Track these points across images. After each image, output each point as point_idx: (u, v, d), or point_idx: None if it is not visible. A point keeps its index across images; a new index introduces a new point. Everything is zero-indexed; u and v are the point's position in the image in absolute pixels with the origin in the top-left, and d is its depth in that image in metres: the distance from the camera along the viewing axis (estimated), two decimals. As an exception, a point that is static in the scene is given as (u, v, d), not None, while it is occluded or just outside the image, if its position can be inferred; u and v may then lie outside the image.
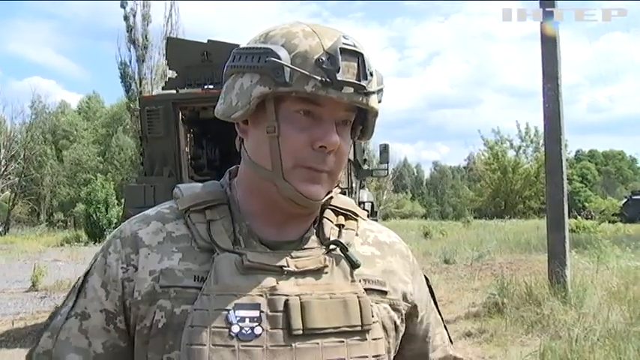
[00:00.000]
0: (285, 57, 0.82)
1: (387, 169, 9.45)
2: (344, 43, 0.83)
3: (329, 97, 0.82)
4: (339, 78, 0.82)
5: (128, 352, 0.89)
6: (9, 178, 34.38)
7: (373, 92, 0.87)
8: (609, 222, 23.38)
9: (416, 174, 67.12)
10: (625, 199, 32.92)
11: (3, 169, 33.54)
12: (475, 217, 30.59)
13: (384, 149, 9.16)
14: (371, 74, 0.85)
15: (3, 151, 33.53)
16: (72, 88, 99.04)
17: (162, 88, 7.75)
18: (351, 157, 7.50)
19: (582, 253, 9.70)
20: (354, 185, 7.54)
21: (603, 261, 8.83)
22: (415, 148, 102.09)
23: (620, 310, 5.82)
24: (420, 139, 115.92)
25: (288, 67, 0.82)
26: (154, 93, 12.96)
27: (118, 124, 38.85)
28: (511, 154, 39.56)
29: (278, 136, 0.85)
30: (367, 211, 8.66)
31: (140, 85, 24.43)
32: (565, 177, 7.18)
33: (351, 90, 0.83)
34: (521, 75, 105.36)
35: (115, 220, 21.46)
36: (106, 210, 22.67)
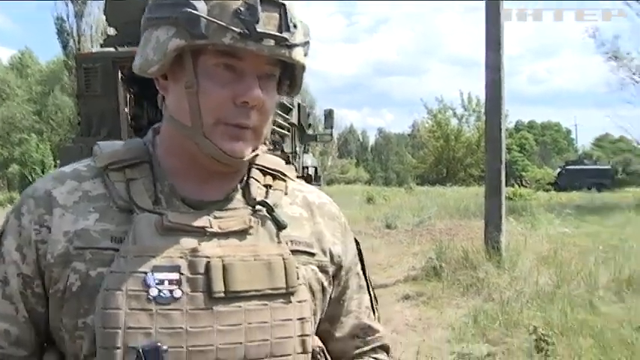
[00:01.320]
0: (201, 8, 0.78)
1: (332, 134, 9.50)
2: None
3: (248, 49, 0.79)
4: (258, 29, 0.78)
5: (47, 318, 0.85)
6: None
7: (297, 45, 0.83)
8: (544, 190, 24.32)
9: (361, 140, 67.58)
10: (559, 169, 34.27)
11: None
12: (418, 184, 31.18)
13: (329, 114, 9.17)
14: (294, 26, 0.82)
15: None
16: (3, 42, 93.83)
17: (101, 46, 7.42)
18: (296, 122, 7.46)
19: (518, 219, 10.07)
20: (297, 150, 7.52)
21: (536, 227, 9.22)
22: (361, 115, 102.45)
23: (549, 274, 6.11)
24: (366, 105, 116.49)
25: (204, 18, 0.78)
26: (93, 50, 12.44)
27: (55, 82, 37.11)
28: (454, 122, 40.33)
29: (197, 92, 0.81)
30: (311, 175, 8.70)
31: (79, 43, 23.38)
32: (504, 146, 7.38)
33: (272, 42, 0.80)
34: (466, 45, 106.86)
35: (52, 182, 20.73)
36: (43, 171, 21.88)
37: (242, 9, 0.78)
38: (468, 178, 36.93)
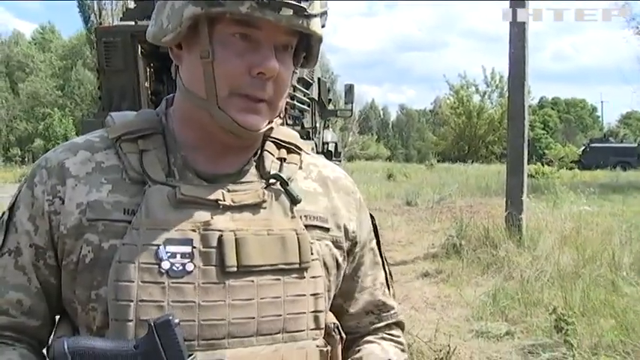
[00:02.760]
0: None
1: (352, 110, 9.45)
2: None
3: (266, 19, 0.76)
4: None
5: (59, 290, 0.85)
6: (-39, 111, 33.20)
7: (315, 15, 0.80)
8: (567, 169, 23.99)
9: (382, 116, 67.18)
10: (583, 147, 33.72)
11: (-46, 101, 32.30)
12: (439, 161, 31.04)
13: (349, 89, 9.11)
14: None
15: (-46, 82, 32.19)
16: (25, 16, 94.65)
17: (121, 19, 7.42)
18: (316, 97, 7.42)
19: (539, 198, 9.95)
20: (318, 125, 7.49)
21: (558, 206, 9.09)
22: (382, 90, 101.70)
23: (570, 253, 6.03)
24: (387, 81, 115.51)
25: None
26: (113, 24, 12.48)
27: (78, 56, 37.38)
28: (476, 99, 39.86)
29: (212, 62, 0.79)
30: (331, 151, 8.67)
31: (100, 17, 23.45)
32: (527, 123, 7.25)
33: (290, 12, 0.77)
34: (488, 19, 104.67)
35: (75, 157, 21.05)
36: (66, 146, 22.19)
37: None
38: (489, 156, 36.66)
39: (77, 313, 0.82)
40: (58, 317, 0.89)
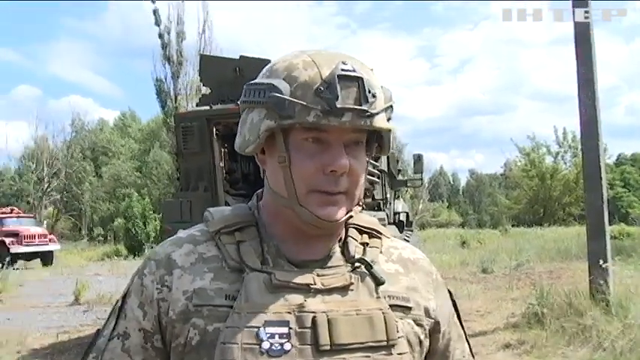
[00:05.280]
0: (286, 90, 0.86)
1: (422, 179, 9.45)
2: (342, 70, 0.86)
3: (331, 124, 0.86)
4: (338, 105, 0.84)
5: None
6: (52, 195, 35.68)
7: (378, 113, 0.89)
8: (654, 228, 22.62)
9: (452, 182, 66.39)
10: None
11: (46, 185, 34.91)
12: (513, 225, 30.08)
13: (418, 159, 9.17)
14: (373, 95, 0.87)
15: (46, 168, 34.83)
16: (109, 105, 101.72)
17: (197, 105, 7.89)
18: (385, 168, 7.51)
19: (626, 260, 9.45)
20: (388, 196, 7.54)
21: (648, 269, 8.58)
22: (450, 157, 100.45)
23: (667, 321, 5.64)
24: (454, 147, 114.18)
25: (289, 100, 0.86)
26: (188, 109, 13.26)
27: (155, 139, 39.60)
28: (549, 159, 38.76)
29: (289, 165, 0.89)
30: (402, 221, 8.65)
31: (175, 101, 24.83)
32: (604, 183, 7.02)
33: (352, 115, 0.86)
34: (553, 79, 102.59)
35: (154, 234, 21.89)
36: (144, 224, 23.12)
37: (322, 88, 0.85)
38: (567, 218, 35.15)
39: None
40: None
